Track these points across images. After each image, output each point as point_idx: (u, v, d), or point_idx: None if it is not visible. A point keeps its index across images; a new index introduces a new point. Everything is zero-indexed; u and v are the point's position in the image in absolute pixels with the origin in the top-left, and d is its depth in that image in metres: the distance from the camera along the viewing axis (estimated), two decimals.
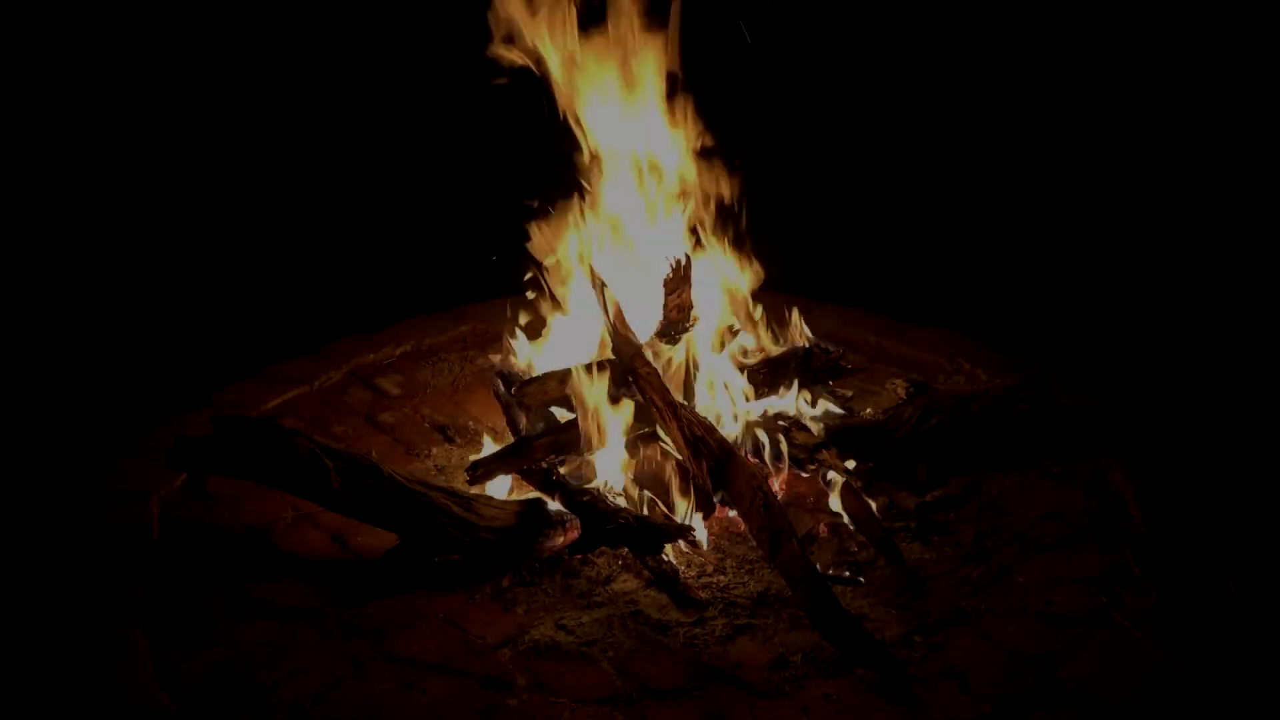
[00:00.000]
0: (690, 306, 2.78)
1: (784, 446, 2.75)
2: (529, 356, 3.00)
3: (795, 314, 3.04)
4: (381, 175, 4.64)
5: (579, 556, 2.58)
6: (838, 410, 2.92)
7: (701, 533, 2.62)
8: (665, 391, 2.63)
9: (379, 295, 3.94)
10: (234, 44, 4.59)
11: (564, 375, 2.76)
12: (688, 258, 2.73)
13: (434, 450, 3.10)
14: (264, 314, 3.88)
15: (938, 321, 3.66)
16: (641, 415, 2.71)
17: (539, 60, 2.83)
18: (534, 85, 2.90)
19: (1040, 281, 4.03)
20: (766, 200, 3.10)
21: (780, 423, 2.79)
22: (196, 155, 4.60)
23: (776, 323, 3.08)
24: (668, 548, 2.55)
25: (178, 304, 4.00)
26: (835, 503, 2.68)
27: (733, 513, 2.58)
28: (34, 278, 4.02)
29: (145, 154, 4.51)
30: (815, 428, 2.80)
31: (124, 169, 4.47)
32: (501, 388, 2.95)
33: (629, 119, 2.87)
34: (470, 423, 3.22)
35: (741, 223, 2.98)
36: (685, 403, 2.72)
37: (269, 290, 4.07)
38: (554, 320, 3.05)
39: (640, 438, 2.74)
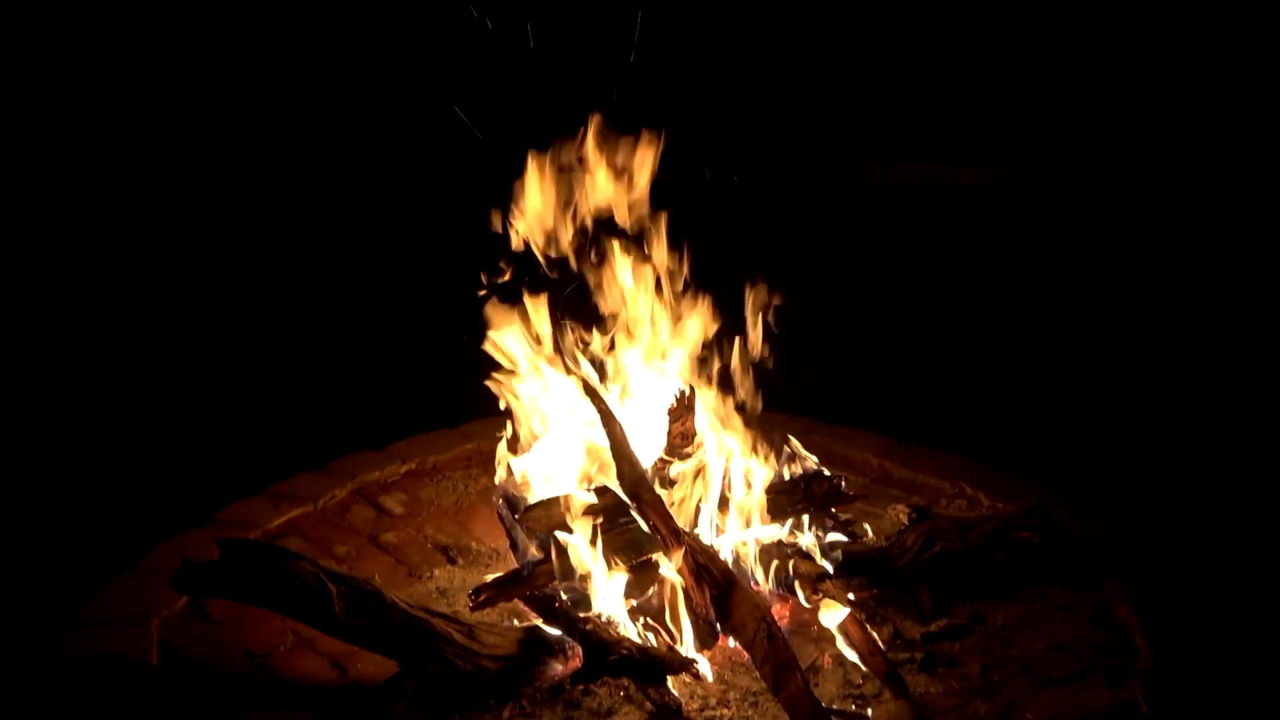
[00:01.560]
0: (693, 434, 2.80)
1: (787, 575, 2.74)
2: (528, 477, 3.00)
3: (793, 441, 3.06)
4: (388, 290, 4.72)
5: (580, 686, 2.55)
6: (840, 537, 2.92)
7: (705, 664, 2.60)
8: (669, 518, 2.64)
9: (385, 411, 3.97)
10: (240, 146, 4.72)
11: (569, 501, 2.76)
12: (692, 389, 2.77)
13: (436, 572, 3.09)
14: (268, 429, 3.90)
15: (938, 442, 3.68)
16: (645, 543, 2.70)
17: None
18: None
19: (1043, 403, 4.07)
20: (767, 323, 3.15)
21: (784, 551, 2.78)
22: (202, 267, 4.69)
23: (778, 448, 3.09)
24: (671, 679, 2.52)
25: (181, 420, 4.03)
26: (839, 637, 2.65)
27: (736, 643, 2.56)
28: (34, 390, 4.06)
29: (149, 264, 4.60)
30: (818, 556, 2.79)
31: (127, 278, 4.55)
32: (505, 511, 2.96)
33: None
34: (473, 543, 3.22)
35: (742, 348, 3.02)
36: (688, 530, 2.72)
37: (274, 405, 4.11)
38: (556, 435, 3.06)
39: (642, 565, 2.73)
